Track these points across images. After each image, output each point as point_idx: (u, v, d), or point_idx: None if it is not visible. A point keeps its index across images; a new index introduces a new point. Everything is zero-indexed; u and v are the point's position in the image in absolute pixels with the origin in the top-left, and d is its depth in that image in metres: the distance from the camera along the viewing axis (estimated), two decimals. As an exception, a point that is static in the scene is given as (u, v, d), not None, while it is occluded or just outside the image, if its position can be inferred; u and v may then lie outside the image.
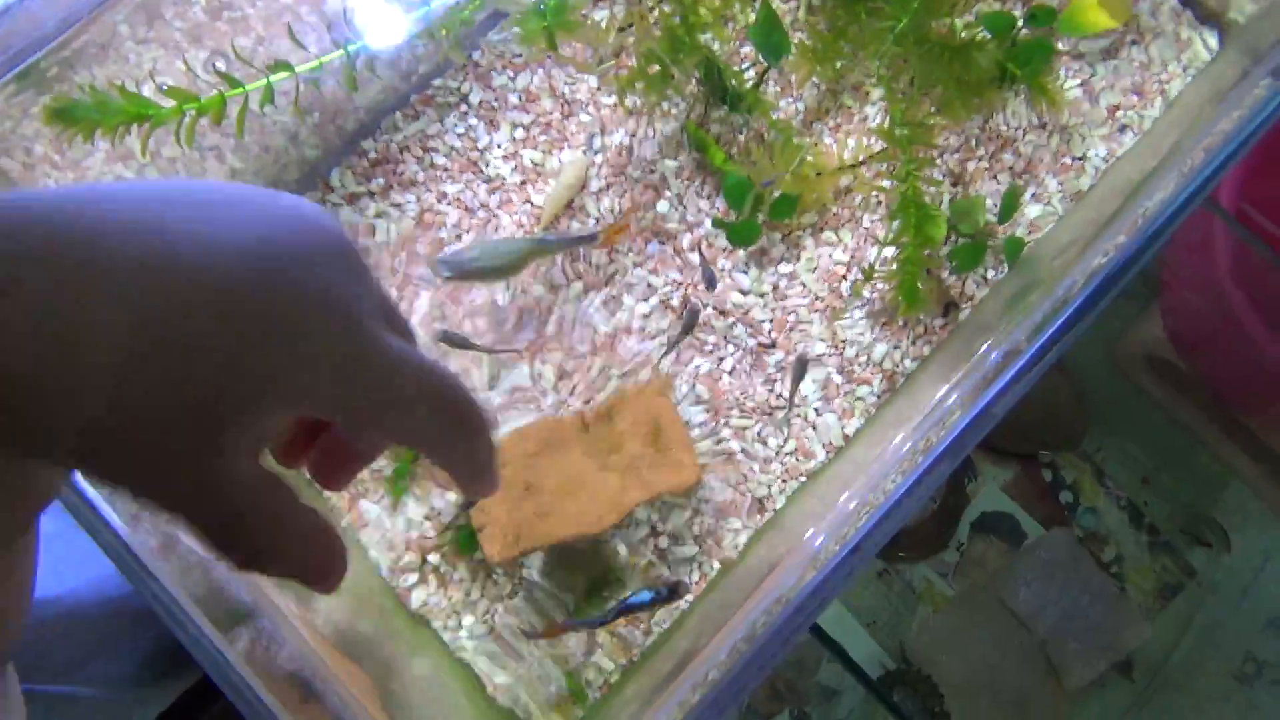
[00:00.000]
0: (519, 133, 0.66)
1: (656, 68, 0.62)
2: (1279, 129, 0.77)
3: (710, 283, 0.60)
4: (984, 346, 0.44)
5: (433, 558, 0.58)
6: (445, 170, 0.65)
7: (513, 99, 0.66)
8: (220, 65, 0.50)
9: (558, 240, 0.56)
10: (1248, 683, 0.83)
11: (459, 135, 0.65)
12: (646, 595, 0.52)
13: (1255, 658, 0.84)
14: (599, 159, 0.65)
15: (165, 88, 0.47)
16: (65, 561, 0.92)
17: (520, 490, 0.55)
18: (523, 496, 0.55)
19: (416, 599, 0.57)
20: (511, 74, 0.67)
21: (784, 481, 0.60)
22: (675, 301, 0.62)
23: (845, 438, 0.60)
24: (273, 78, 0.49)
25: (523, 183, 0.64)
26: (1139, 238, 0.41)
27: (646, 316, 0.62)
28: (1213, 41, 0.67)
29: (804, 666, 0.81)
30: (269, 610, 0.40)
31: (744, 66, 0.66)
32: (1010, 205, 0.64)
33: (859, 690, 0.80)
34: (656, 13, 0.61)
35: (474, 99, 0.66)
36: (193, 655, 0.35)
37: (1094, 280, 0.40)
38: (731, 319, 0.62)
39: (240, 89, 0.48)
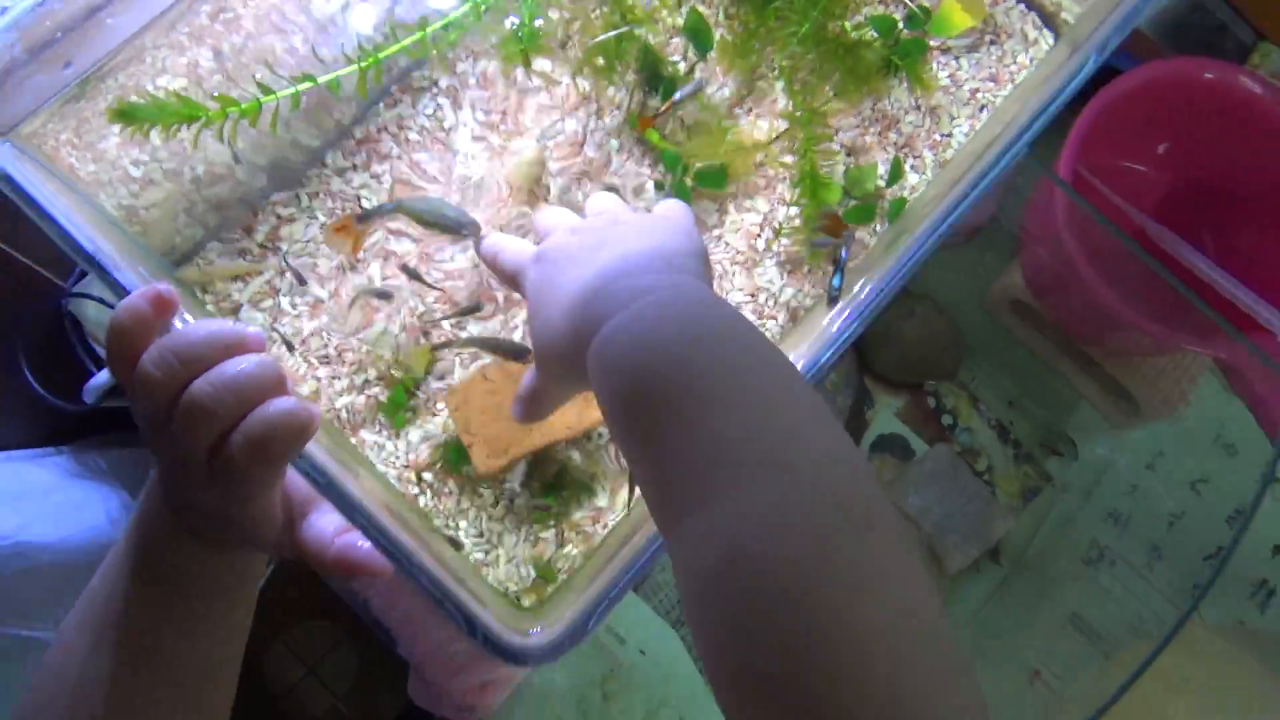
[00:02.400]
0: (479, 115, 0.76)
1: (601, 60, 0.73)
2: (1106, 110, 0.93)
3: None
4: (861, 281, 0.58)
5: (426, 475, 0.70)
6: (419, 144, 0.75)
7: (472, 82, 0.77)
8: (260, 74, 0.60)
9: None
10: (1092, 564, 1.01)
11: (428, 116, 0.76)
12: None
13: (1098, 544, 1.02)
14: (552, 142, 0.76)
15: (215, 94, 0.57)
16: (62, 509, 1.00)
17: (507, 410, 0.67)
18: (508, 415, 0.67)
19: (420, 505, 0.69)
20: (472, 60, 0.77)
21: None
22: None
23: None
24: (300, 87, 0.59)
25: (490, 159, 0.75)
26: (973, 185, 0.55)
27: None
28: (1050, 39, 0.83)
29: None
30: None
31: (675, 59, 0.78)
32: (896, 173, 0.79)
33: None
34: (599, 12, 0.72)
35: (442, 84, 0.76)
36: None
37: (941, 221, 0.55)
38: (670, 271, 0.75)
39: (273, 95, 0.58)
